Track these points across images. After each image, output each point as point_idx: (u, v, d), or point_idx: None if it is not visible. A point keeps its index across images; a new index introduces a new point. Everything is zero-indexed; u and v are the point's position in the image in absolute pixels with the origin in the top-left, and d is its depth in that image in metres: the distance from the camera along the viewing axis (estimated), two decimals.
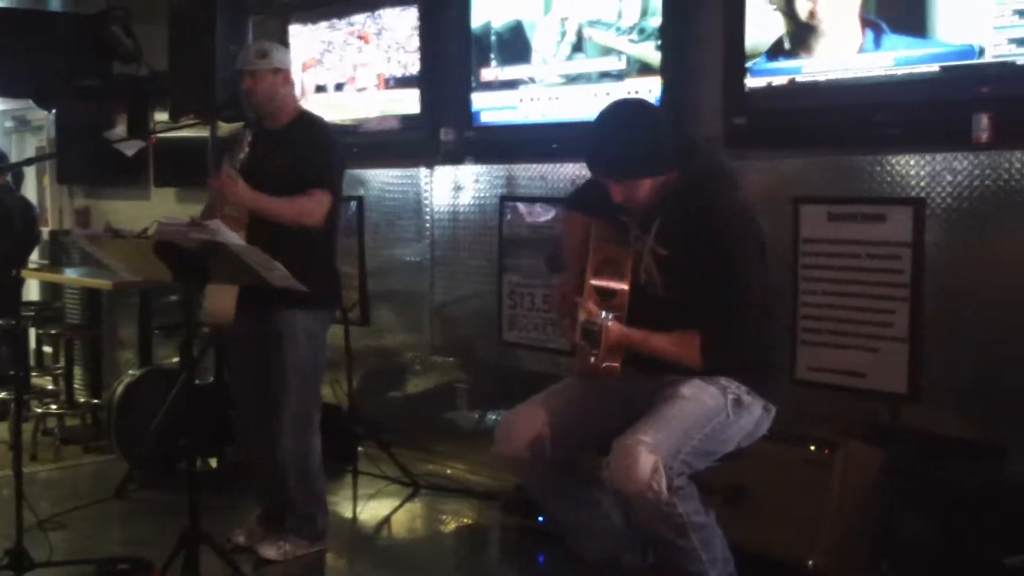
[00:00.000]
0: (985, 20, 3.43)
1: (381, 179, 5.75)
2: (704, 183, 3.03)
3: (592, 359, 2.79)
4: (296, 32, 6.00)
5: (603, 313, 2.84)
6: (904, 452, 3.59)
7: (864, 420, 3.74)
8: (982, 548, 3.12)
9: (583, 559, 3.31)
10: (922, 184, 3.64)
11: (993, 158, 3.47)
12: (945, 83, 3.55)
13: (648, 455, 2.80)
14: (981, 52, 3.45)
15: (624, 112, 3.08)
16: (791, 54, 3.94)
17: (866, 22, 3.73)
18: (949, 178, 3.57)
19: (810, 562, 3.49)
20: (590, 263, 3.04)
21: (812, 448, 3.63)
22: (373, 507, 4.92)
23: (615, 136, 3.00)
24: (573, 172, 4.75)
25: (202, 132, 5.83)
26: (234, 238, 3.43)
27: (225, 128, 5.34)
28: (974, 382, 3.55)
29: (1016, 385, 3.45)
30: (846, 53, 3.79)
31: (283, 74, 4.11)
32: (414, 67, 5.40)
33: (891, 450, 3.61)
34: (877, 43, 3.70)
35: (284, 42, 5.77)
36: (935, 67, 3.56)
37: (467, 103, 5.15)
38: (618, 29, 4.53)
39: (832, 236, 3.83)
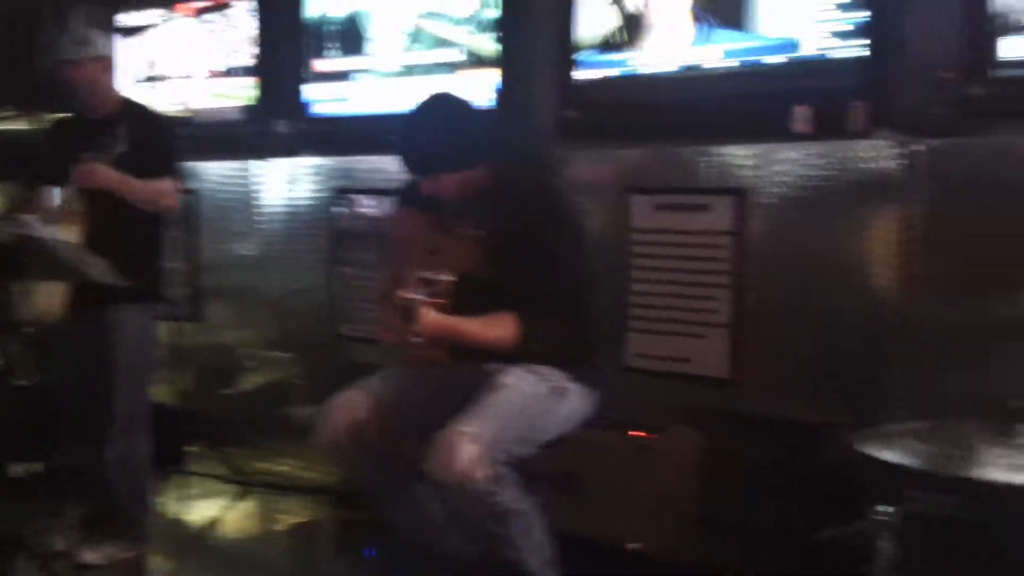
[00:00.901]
0: (806, 14, 3.54)
1: (215, 171, 5.60)
2: (519, 174, 3.13)
3: (412, 339, 2.76)
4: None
5: (417, 292, 2.82)
6: (727, 435, 3.66)
7: (689, 405, 3.80)
8: (800, 525, 3.20)
9: (408, 550, 3.28)
10: (746, 174, 3.72)
11: (814, 149, 3.56)
12: (768, 76, 3.64)
13: (469, 445, 2.81)
14: (801, 45, 3.56)
15: (431, 108, 3.15)
16: (621, 47, 3.99)
17: (695, 16, 3.80)
18: (772, 169, 3.65)
19: (636, 545, 3.53)
20: (413, 256, 3.04)
21: (638, 433, 3.67)
22: (202, 507, 4.78)
23: (420, 133, 3.10)
24: None
25: (25, 124, 5.59)
26: (46, 232, 3.30)
27: (47, 120, 5.12)
28: (795, 366, 3.63)
29: (834, 368, 3.55)
30: (674, 46, 3.86)
31: (105, 62, 3.98)
32: (252, 58, 5.30)
33: (714, 433, 3.68)
34: (706, 37, 3.78)
35: (110, 31, 5.58)
36: (759, 60, 3.66)
37: (300, 94, 5.06)
38: (454, 20, 4.52)
39: (660, 226, 3.91)
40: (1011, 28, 3.21)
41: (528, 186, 3.14)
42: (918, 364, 3.37)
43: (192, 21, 5.60)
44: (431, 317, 2.80)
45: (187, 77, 5.65)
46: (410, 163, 3.14)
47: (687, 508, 3.61)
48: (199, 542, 4.47)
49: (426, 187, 3.12)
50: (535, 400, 2.99)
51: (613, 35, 4.02)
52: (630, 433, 3.72)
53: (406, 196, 3.38)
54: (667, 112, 3.91)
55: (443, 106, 3.20)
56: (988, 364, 3.22)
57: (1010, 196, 3.19)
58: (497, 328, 2.97)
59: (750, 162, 3.70)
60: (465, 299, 2.92)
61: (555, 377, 3.04)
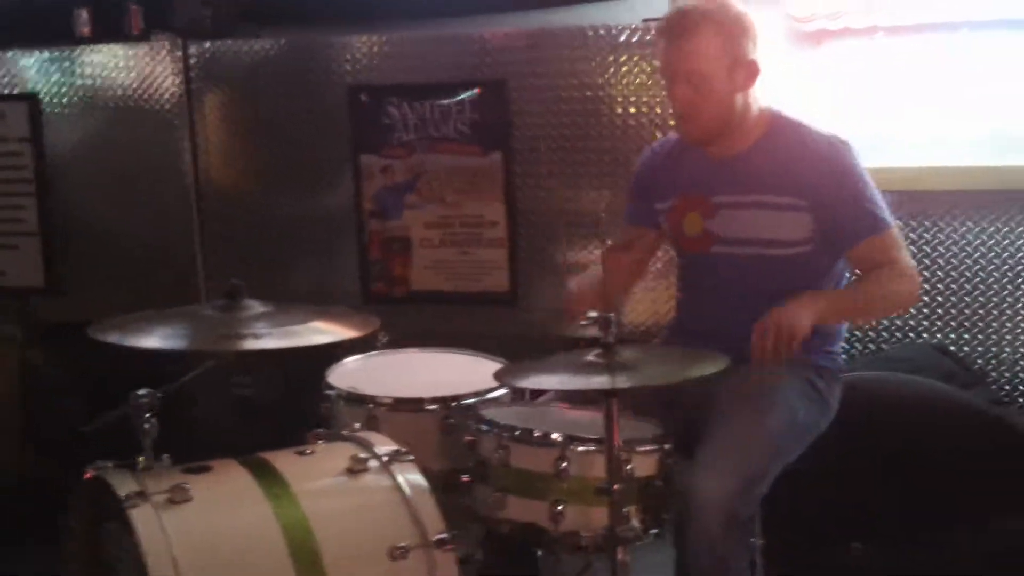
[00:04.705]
0: None
1: None
2: None
3: None
4: None
5: None
6: (46, 346, 3.68)
7: (7, 317, 3.76)
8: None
9: None
10: (35, 79, 3.67)
11: (97, 53, 3.59)
12: None
13: None
14: None
15: None
16: None
17: None
18: (58, 74, 3.64)
19: None
20: None
21: None
22: None
23: None
24: None
25: None
26: None
27: None
28: (113, 270, 3.68)
29: (148, 268, 3.64)
30: None
31: None
32: None
33: (33, 344, 3.68)
34: None
35: None
36: None
37: None
38: None
39: None
40: None
41: None
42: (225, 256, 3.60)
43: None
44: None
45: None
46: None
47: (5, 423, 3.60)
48: None
49: None
50: None
51: None
52: None
53: None
54: None
55: None
56: (284, 251, 3.53)
57: (300, 95, 3.45)
58: None
59: (37, 67, 3.66)
60: None
61: None
